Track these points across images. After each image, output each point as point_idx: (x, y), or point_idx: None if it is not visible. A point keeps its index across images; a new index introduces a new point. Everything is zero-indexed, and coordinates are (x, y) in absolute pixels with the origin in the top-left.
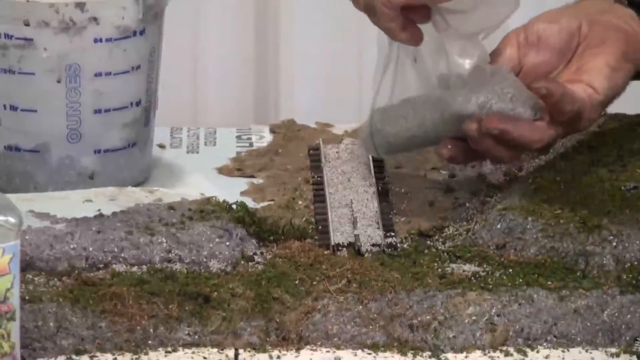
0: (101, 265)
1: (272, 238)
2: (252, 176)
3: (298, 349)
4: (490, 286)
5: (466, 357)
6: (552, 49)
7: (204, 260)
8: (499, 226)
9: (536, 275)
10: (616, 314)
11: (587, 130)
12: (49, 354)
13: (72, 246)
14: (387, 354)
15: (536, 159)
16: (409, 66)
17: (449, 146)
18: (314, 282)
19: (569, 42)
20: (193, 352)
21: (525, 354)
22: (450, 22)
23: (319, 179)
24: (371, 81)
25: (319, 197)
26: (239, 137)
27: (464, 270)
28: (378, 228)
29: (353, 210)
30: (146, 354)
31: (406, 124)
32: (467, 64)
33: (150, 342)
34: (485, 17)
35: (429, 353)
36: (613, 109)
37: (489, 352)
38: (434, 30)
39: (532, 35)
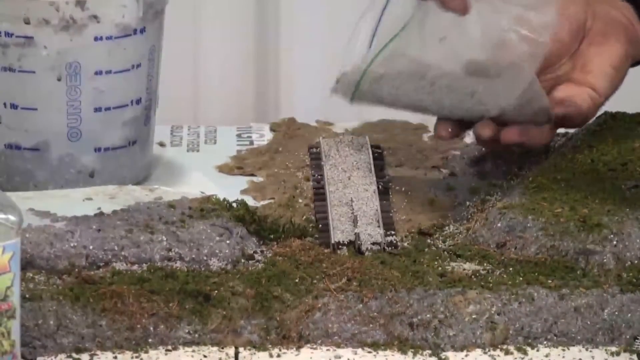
0: (101, 264)
1: (272, 236)
2: (253, 174)
3: (298, 348)
4: (491, 285)
5: (466, 355)
6: (561, 41)
7: (204, 258)
8: (499, 225)
9: (536, 274)
10: (616, 313)
11: (587, 130)
12: (49, 352)
13: (72, 244)
14: (387, 352)
15: (536, 157)
16: (424, 38)
17: (449, 129)
18: (314, 281)
19: (576, 35)
20: (193, 351)
21: (525, 353)
22: None
23: (319, 177)
24: None
25: (319, 195)
26: (239, 136)
27: (464, 269)
28: (378, 226)
29: (353, 208)
30: (146, 352)
31: (407, 96)
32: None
33: (150, 340)
34: None
35: (429, 352)
36: (613, 108)
37: (489, 351)
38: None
39: None
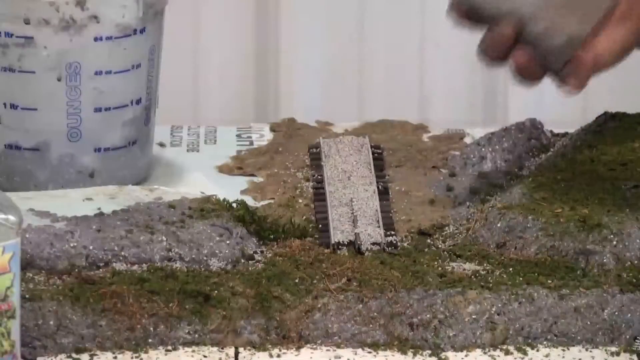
0: (101, 264)
1: (272, 237)
2: (253, 175)
3: (298, 348)
4: (491, 285)
5: (466, 355)
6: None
7: (204, 258)
8: (499, 225)
9: (536, 274)
10: (616, 313)
11: (587, 130)
12: (49, 353)
13: (72, 245)
14: (388, 352)
15: (536, 157)
16: None
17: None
18: (314, 281)
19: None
20: (193, 351)
21: (525, 353)
22: None
23: (319, 177)
24: (371, 79)
25: (319, 195)
26: (239, 136)
27: (464, 269)
28: (378, 227)
29: (353, 208)
30: (146, 352)
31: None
32: None
33: (150, 340)
34: None
35: (429, 352)
36: (613, 108)
37: (489, 351)
38: None
39: None
